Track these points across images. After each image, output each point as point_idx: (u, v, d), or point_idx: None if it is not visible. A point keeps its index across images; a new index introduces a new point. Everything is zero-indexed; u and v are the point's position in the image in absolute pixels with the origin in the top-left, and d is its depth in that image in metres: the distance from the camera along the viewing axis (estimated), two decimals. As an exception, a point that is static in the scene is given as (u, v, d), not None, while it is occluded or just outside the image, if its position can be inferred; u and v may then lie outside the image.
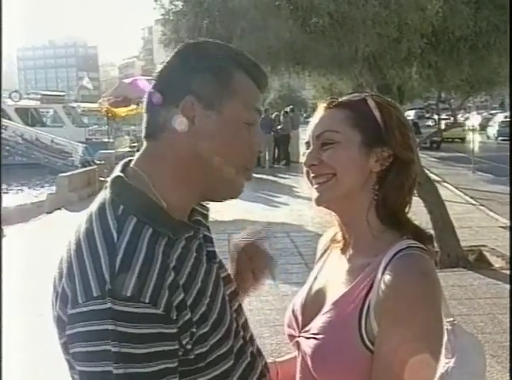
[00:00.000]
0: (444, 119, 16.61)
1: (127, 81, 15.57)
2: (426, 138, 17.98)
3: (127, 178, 1.01)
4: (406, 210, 1.23)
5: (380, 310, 1.08)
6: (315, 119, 1.25)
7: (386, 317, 1.08)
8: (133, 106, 14.11)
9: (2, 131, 20.73)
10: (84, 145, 22.11)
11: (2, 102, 23.69)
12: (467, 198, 11.60)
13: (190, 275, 0.97)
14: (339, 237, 1.29)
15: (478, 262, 6.60)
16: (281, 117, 19.60)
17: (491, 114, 37.77)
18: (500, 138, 29.96)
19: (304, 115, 39.98)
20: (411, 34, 5.61)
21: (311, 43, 5.75)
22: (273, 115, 19.89)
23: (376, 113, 1.20)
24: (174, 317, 0.91)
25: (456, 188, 12.79)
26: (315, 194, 1.21)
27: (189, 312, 0.94)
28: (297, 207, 10.69)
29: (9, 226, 9.54)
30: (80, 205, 10.32)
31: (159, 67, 1.06)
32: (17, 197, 17.28)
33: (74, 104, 33.48)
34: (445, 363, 1.21)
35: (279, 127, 18.99)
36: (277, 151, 19.21)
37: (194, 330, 0.95)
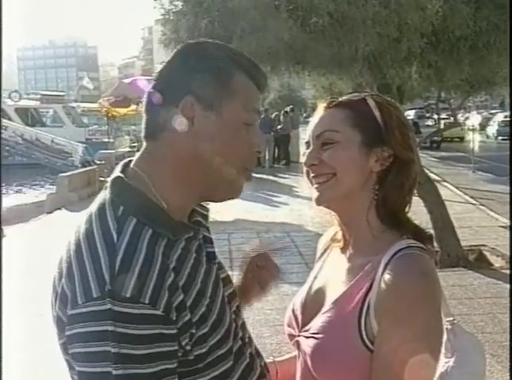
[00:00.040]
0: (444, 118, 16.61)
1: (127, 81, 15.58)
2: (426, 138, 18.00)
3: (127, 179, 1.01)
4: (407, 209, 1.23)
5: (380, 310, 1.09)
6: (314, 119, 1.25)
7: (386, 317, 1.08)
8: (133, 106, 14.10)
9: (2, 131, 20.73)
10: (84, 145, 22.10)
11: (2, 102, 23.70)
12: (467, 197, 11.60)
13: (190, 276, 0.97)
14: (339, 236, 1.29)
15: (478, 262, 6.60)
16: (281, 117, 19.60)
17: (491, 113, 37.82)
18: (500, 137, 30.00)
19: (304, 114, 40.01)
20: (411, 34, 5.61)
21: (311, 42, 5.75)
22: (273, 115, 19.89)
23: (376, 113, 1.20)
24: (174, 318, 0.91)
25: (456, 188, 12.79)
26: (315, 194, 1.22)
27: (189, 313, 0.94)
28: (297, 206, 10.69)
29: (9, 226, 9.54)
30: (80, 205, 10.32)
31: (159, 67, 1.06)
32: (17, 197, 17.29)
33: (74, 104, 33.49)
34: (444, 363, 1.21)
35: (279, 126, 18.98)
36: (277, 151, 19.20)
37: (194, 331, 0.95)
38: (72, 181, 13.07)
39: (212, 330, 0.98)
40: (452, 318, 1.27)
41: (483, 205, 10.65)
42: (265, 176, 15.51)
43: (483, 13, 5.59)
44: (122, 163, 1.08)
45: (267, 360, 1.25)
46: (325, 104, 1.25)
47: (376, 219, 1.20)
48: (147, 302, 0.88)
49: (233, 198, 1.08)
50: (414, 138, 1.26)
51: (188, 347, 0.94)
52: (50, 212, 11.55)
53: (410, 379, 1.04)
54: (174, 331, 0.91)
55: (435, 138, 22.38)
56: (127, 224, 0.94)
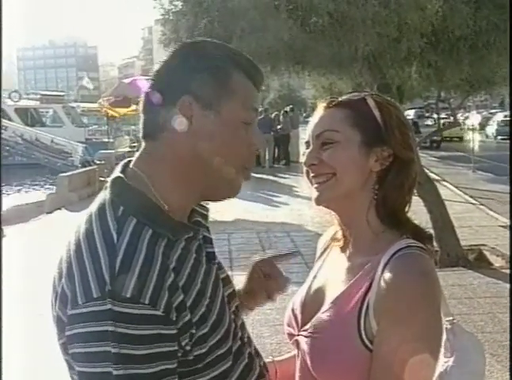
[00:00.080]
0: (443, 118, 16.60)
1: (126, 81, 15.56)
2: (426, 138, 17.99)
3: (127, 179, 1.01)
4: (406, 209, 1.23)
5: (380, 310, 1.09)
6: (314, 119, 1.25)
7: (386, 317, 1.08)
8: (133, 106, 14.09)
9: (2, 131, 20.72)
10: (84, 145, 22.09)
11: (2, 102, 23.69)
12: (467, 197, 11.60)
13: (190, 277, 0.97)
14: (339, 236, 1.29)
15: (478, 261, 6.60)
16: (281, 117, 19.59)
17: (491, 113, 37.83)
18: (499, 137, 30.02)
19: (304, 114, 40.01)
20: (411, 33, 5.61)
21: (311, 42, 5.75)
22: (273, 115, 19.89)
23: (376, 113, 1.20)
24: (174, 318, 0.91)
25: (456, 188, 12.79)
26: (314, 193, 1.22)
27: (189, 313, 0.94)
28: (297, 206, 10.69)
29: (9, 226, 9.54)
30: (80, 205, 10.32)
31: (156, 67, 1.06)
32: (16, 197, 17.28)
33: (74, 104, 33.47)
34: (444, 362, 1.21)
35: (279, 126, 18.97)
36: (276, 151, 19.20)
37: (194, 331, 0.95)
38: (72, 181, 13.07)
39: (211, 330, 0.98)
40: (451, 318, 1.27)
41: (482, 205, 10.65)
42: (265, 176, 15.51)
43: (483, 12, 5.59)
44: (122, 163, 1.08)
45: (266, 360, 1.25)
46: (325, 104, 1.25)
47: (376, 219, 1.20)
48: (147, 302, 0.88)
49: (231, 197, 1.08)
50: (413, 137, 1.26)
51: (188, 348, 0.94)
52: (50, 212, 11.54)
53: (410, 379, 1.04)
54: (174, 331, 0.91)
55: (435, 137, 22.40)
56: (127, 224, 0.94)
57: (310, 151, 1.23)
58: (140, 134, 1.06)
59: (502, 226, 8.38)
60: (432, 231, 5.14)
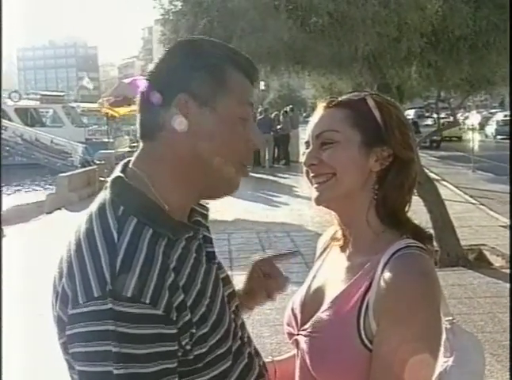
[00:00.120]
0: (443, 118, 16.61)
1: (126, 81, 15.57)
2: (426, 138, 17.98)
3: (127, 179, 1.02)
4: (406, 209, 1.23)
5: (380, 310, 1.09)
6: (314, 119, 1.25)
7: (385, 317, 1.08)
8: (133, 106, 14.09)
9: (2, 131, 20.72)
10: (84, 145, 22.09)
11: (2, 102, 23.68)
12: (467, 197, 11.60)
13: (190, 276, 0.97)
14: (339, 235, 1.29)
15: (478, 261, 6.61)
16: (281, 117, 19.59)
17: (491, 113, 37.82)
18: (498, 136, 30.05)
19: (304, 114, 39.97)
20: (411, 33, 5.60)
21: (311, 42, 5.75)
22: (273, 115, 19.89)
23: (376, 113, 1.20)
24: (174, 318, 0.91)
25: (456, 187, 12.80)
26: (314, 193, 1.22)
27: (189, 313, 0.94)
28: (297, 206, 10.70)
29: (9, 226, 9.54)
30: (80, 205, 10.32)
31: (152, 66, 1.06)
32: (16, 197, 17.29)
33: (74, 104, 33.46)
34: (443, 362, 1.21)
35: (279, 126, 18.97)
36: (276, 151, 19.19)
37: (194, 331, 0.95)
38: (72, 181, 13.07)
39: (212, 330, 0.98)
40: (451, 318, 1.27)
41: (482, 204, 10.65)
42: (265, 176, 15.52)
43: (483, 12, 5.59)
44: (122, 163, 1.08)
45: (266, 360, 1.25)
46: (325, 104, 1.25)
47: (376, 219, 1.20)
48: (147, 301, 0.88)
49: (230, 194, 1.08)
50: (413, 137, 1.26)
51: (188, 347, 0.94)
52: (50, 212, 11.55)
53: (410, 379, 1.04)
54: (175, 331, 0.91)
55: (435, 137, 22.40)
56: (127, 224, 0.94)
57: (310, 151, 1.23)
58: (138, 134, 1.06)
59: (502, 226, 8.38)
60: (432, 231, 5.14)
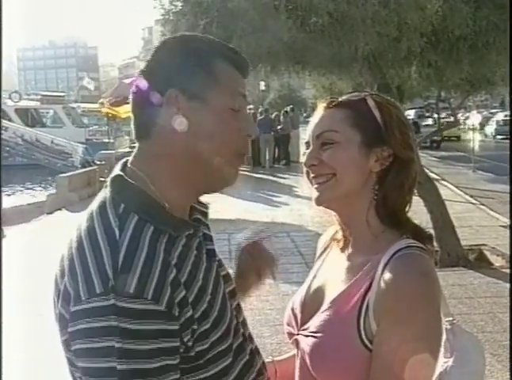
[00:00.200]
0: (443, 118, 16.62)
1: (127, 81, 15.58)
2: (426, 138, 17.99)
3: (126, 177, 1.02)
4: (407, 209, 1.23)
5: (380, 310, 1.09)
6: (314, 119, 1.25)
7: (386, 317, 1.08)
8: (133, 106, 14.10)
9: (3, 132, 20.73)
10: (84, 145, 22.10)
11: (2, 103, 23.69)
12: (467, 197, 11.60)
13: (191, 273, 0.98)
14: (339, 235, 1.29)
15: (478, 261, 6.60)
16: (281, 117, 19.59)
17: (492, 113, 37.84)
18: (498, 136, 30.08)
19: (304, 114, 39.96)
20: (411, 33, 5.60)
21: (311, 42, 5.75)
22: (273, 115, 19.88)
23: (376, 113, 1.20)
24: (176, 314, 0.92)
25: (457, 187, 12.79)
26: (315, 194, 1.22)
27: (191, 309, 0.95)
28: (297, 206, 10.70)
29: (10, 226, 9.54)
30: (80, 205, 10.32)
31: (142, 65, 1.07)
32: (17, 198, 17.29)
33: (74, 105, 33.46)
34: (443, 362, 1.21)
35: (279, 126, 18.97)
36: (277, 151, 19.20)
37: (195, 327, 0.95)
38: (72, 182, 13.09)
39: (213, 326, 0.99)
40: (451, 318, 1.27)
41: (483, 204, 10.65)
42: (265, 176, 15.53)
43: (483, 12, 5.59)
44: (121, 162, 1.08)
45: (266, 360, 1.25)
46: (325, 104, 1.25)
47: (376, 219, 1.20)
48: (149, 297, 0.89)
49: (229, 185, 1.08)
50: (414, 137, 1.26)
51: (189, 344, 0.95)
52: (50, 213, 11.55)
53: (410, 379, 1.04)
54: (176, 327, 0.92)
55: (435, 137, 22.39)
56: (128, 221, 0.95)
57: (310, 152, 1.23)
58: (133, 134, 1.07)
59: (503, 226, 8.38)
60: (432, 231, 5.14)
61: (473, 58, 6.01)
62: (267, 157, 18.33)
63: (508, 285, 5.28)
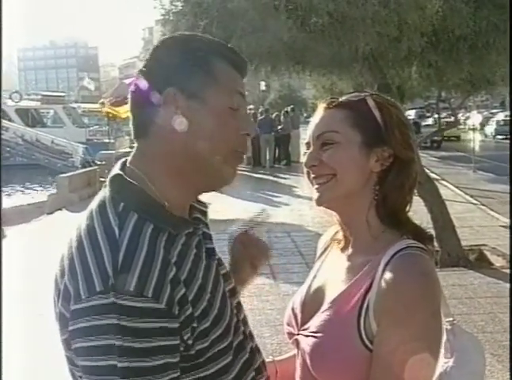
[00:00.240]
0: (444, 118, 16.63)
1: (127, 81, 15.60)
2: (427, 138, 18.00)
3: (125, 176, 1.02)
4: (407, 209, 1.23)
5: (380, 310, 1.09)
6: (315, 120, 1.25)
7: (385, 317, 1.08)
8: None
9: (3, 132, 20.74)
10: (84, 145, 22.11)
11: (3, 103, 23.69)
12: (467, 197, 11.60)
13: (191, 271, 0.98)
14: (340, 236, 1.29)
15: (478, 261, 6.61)
16: (282, 117, 19.60)
17: (492, 113, 37.82)
18: (498, 136, 30.09)
19: (305, 114, 39.92)
20: (411, 33, 5.60)
21: (311, 42, 5.75)
22: (274, 115, 19.89)
23: (376, 113, 1.20)
24: (176, 312, 0.92)
25: (457, 188, 12.79)
26: (315, 194, 1.22)
27: (191, 307, 0.95)
28: (297, 206, 10.70)
29: (10, 226, 9.54)
30: (81, 205, 10.31)
31: (141, 65, 1.07)
32: (17, 198, 17.29)
33: (75, 105, 33.48)
34: (443, 363, 1.21)
35: (279, 126, 18.98)
36: (277, 151, 19.21)
37: (195, 325, 0.96)
38: (72, 182, 13.09)
39: (213, 325, 0.99)
40: (451, 318, 1.27)
41: (483, 205, 10.65)
42: (265, 177, 15.54)
43: (483, 12, 5.59)
44: (120, 162, 1.09)
45: (267, 360, 1.25)
46: (325, 105, 1.25)
47: (376, 219, 1.20)
48: (149, 295, 0.89)
49: (228, 184, 1.08)
50: (414, 137, 1.26)
51: (189, 342, 0.95)
52: (50, 213, 11.56)
53: (410, 379, 1.04)
54: (176, 325, 0.92)
55: (435, 137, 22.39)
56: (128, 219, 0.95)
57: (310, 152, 1.23)
58: (132, 133, 1.07)
59: (503, 226, 8.38)
60: (432, 231, 5.14)
61: (473, 58, 6.01)
62: (267, 157, 18.34)
63: (508, 285, 5.28)
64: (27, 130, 23.68)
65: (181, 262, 0.97)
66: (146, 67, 1.05)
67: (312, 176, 1.22)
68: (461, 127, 24.37)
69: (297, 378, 1.23)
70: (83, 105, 35.80)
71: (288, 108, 20.42)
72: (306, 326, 1.20)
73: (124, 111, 15.78)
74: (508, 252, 6.42)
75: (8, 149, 22.20)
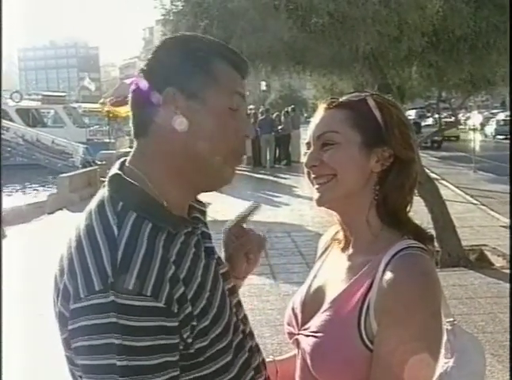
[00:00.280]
0: (444, 118, 16.64)
1: (128, 81, 15.62)
2: (427, 138, 17.99)
3: (124, 176, 1.02)
4: (407, 209, 1.23)
5: (380, 310, 1.09)
6: (315, 120, 1.25)
7: (385, 317, 1.08)
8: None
9: (4, 132, 20.75)
10: (85, 145, 22.12)
11: (3, 103, 23.70)
12: (468, 197, 11.60)
13: (190, 270, 0.98)
14: (340, 235, 1.29)
15: (479, 261, 6.61)
16: (282, 117, 19.61)
17: (492, 113, 37.82)
18: (498, 136, 30.10)
19: (305, 114, 39.94)
20: (412, 33, 5.60)
21: (312, 42, 5.75)
22: (274, 115, 19.90)
23: (377, 113, 1.20)
24: (175, 311, 0.92)
25: (457, 188, 12.79)
26: (316, 194, 1.22)
27: (190, 305, 0.95)
28: (298, 206, 10.70)
29: (11, 226, 9.55)
30: (81, 205, 10.25)
31: (142, 65, 1.08)
32: (17, 198, 17.29)
33: (75, 105, 33.45)
34: (444, 363, 1.21)
35: (280, 126, 18.99)
36: (277, 151, 19.21)
37: (195, 324, 0.96)
38: (73, 182, 13.09)
39: (212, 323, 0.99)
40: (452, 319, 1.26)
41: (484, 205, 10.64)
42: (265, 177, 15.54)
43: (483, 13, 5.59)
44: (119, 161, 1.09)
45: (267, 359, 1.25)
46: (325, 105, 1.25)
47: (377, 219, 1.20)
48: (148, 294, 0.89)
49: (226, 184, 1.09)
50: (414, 137, 1.26)
51: (189, 340, 0.95)
52: (51, 213, 11.56)
53: (410, 379, 1.04)
54: (176, 323, 0.92)
55: (436, 137, 22.40)
56: (127, 218, 0.95)
57: (311, 152, 1.23)
58: (132, 132, 1.07)
59: (503, 226, 8.37)
60: (433, 231, 5.14)
61: (474, 58, 6.01)
62: (268, 158, 18.34)
63: (508, 285, 5.28)
64: (27, 130, 23.70)
65: (180, 261, 0.97)
66: (147, 67, 1.05)
67: (313, 176, 1.22)
68: (461, 127, 24.38)
69: (297, 377, 1.23)
70: (84, 105, 35.77)
71: (289, 108, 20.43)
72: (306, 326, 1.20)
73: (125, 111, 15.81)
74: (508, 253, 6.41)
75: (8, 149, 22.21)
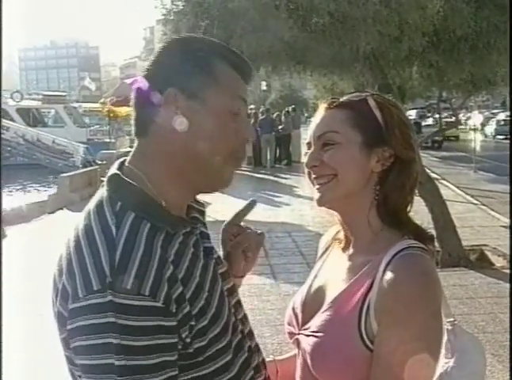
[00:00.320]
0: (445, 118, 16.64)
1: (128, 81, 15.57)
2: (428, 138, 17.98)
3: (123, 176, 1.02)
4: (408, 209, 1.23)
5: (380, 310, 1.09)
6: (315, 120, 1.25)
7: (385, 317, 1.08)
8: (134, 106, 14.14)
9: (4, 132, 20.75)
10: (85, 145, 22.12)
11: (4, 103, 23.70)
12: (468, 197, 11.60)
13: (188, 270, 0.98)
14: (341, 235, 1.29)
15: (479, 261, 6.60)
16: (283, 117, 19.60)
17: (493, 113, 37.82)
18: (498, 136, 30.11)
19: (306, 114, 39.92)
20: (412, 33, 5.60)
21: (312, 42, 5.75)
22: (275, 115, 19.89)
23: (377, 113, 1.20)
24: (174, 310, 0.92)
25: (458, 188, 12.79)
26: (316, 195, 1.22)
27: (188, 305, 0.95)
28: (298, 206, 10.70)
29: (11, 226, 9.55)
30: (82, 205, 10.15)
31: (144, 65, 1.08)
32: (18, 198, 17.30)
33: (76, 105, 33.45)
34: (444, 363, 1.21)
35: (280, 126, 18.98)
36: (278, 151, 19.21)
37: (193, 323, 0.96)
38: (73, 182, 13.09)
39: (211, 323, 0.99)
40: (452, 319, 1.26)
41: (484, 205, 10.64)
42: (266, 177, 15.53)
43: (484, 13, 5.59)
44: (118, 161, 1.09)
45: (267, 359, 1.25)
46: (326, 105, 1.25)
47: (377, 219, 1.20)
48: (147, 294, 0.89)
49: (224, 187, 1.08)
50: (415, 137, 1.26)
51: (188, 340, 0.95)
52: (51, 212, 11.56)
53: (410, 379, 1.03)
54: (174, 323, 0.92)
55: (436, 137, 22.39)
56: (125, 218, 0.96)
57: (311, 152, 1.23)
58: (133, 132, 1.07)
59: (504, 226, 8.37)
60: (433, 231, 5.13)
61: (474, 58, 6.01)
62: (268, 157, 18.34)
63: (509, 285, 5.28)
64: (28, 129, 23.70)
65: (178, 260, 0.97)
66: (149, 68, 1.06)
67: (313, 176, 1.22)
68: (462, 127, 24.39)
69: (298, 377, 1.23)
70: (84, 105, 35.77)
71: (289, 108, 20.42)
72: (307, 326, 1.20)
73: (125, 111, 15.84)
74: (508, 253, 6.41)
75: (9, 148, 22.22)
